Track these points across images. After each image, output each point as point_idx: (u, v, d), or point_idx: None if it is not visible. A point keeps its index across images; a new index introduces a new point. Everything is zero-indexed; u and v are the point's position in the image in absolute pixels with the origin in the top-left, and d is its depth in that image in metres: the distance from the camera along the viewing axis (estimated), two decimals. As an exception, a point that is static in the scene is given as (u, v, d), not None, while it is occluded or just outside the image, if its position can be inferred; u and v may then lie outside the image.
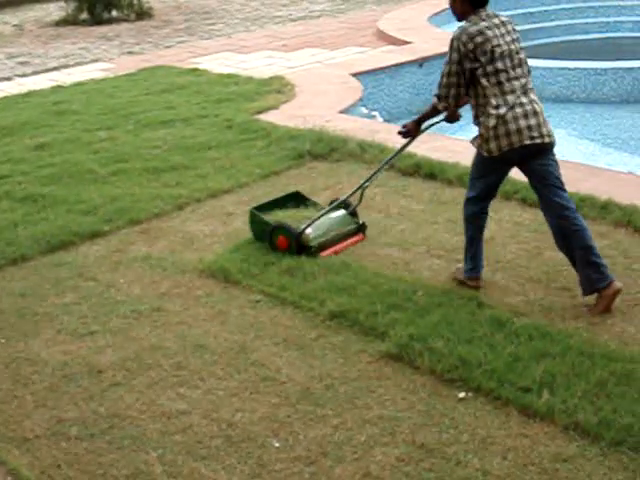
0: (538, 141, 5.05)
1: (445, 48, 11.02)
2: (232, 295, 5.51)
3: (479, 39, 4.99)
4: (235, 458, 4.02)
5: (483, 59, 4.99)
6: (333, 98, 9.72)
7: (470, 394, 4.37)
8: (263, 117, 9.09)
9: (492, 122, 5.02)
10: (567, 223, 5.15)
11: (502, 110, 5.00)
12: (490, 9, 5.13)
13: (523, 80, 5.10)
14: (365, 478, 3.84)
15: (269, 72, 11.11)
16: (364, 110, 9.79)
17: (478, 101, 5.10)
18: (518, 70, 5.09)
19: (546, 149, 5.13)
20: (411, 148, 7.69)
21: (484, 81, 5.01)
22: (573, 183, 6.73)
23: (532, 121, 5.04)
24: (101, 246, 6.34)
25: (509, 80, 5.04)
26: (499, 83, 5.01)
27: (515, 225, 6.23)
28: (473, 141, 5.26)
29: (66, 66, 12.54)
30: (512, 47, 5.08)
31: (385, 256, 5.92)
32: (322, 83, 10.37)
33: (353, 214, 6.27)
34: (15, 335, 5.19)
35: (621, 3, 14.45)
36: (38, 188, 7.41)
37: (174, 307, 5.41)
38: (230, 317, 5.25)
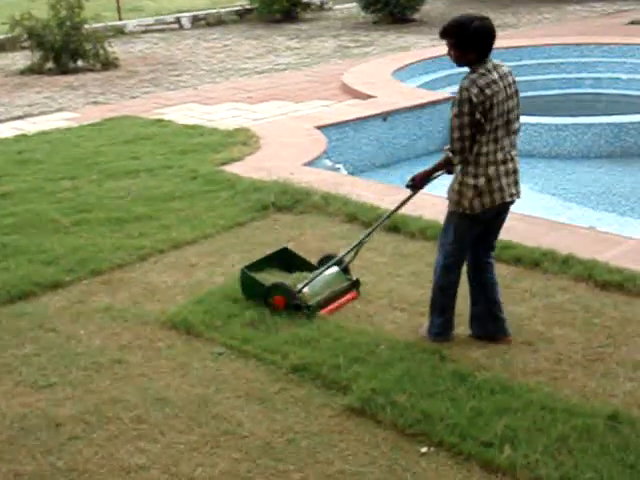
0: (515, 198, 5.19)
1: (408, 102, 11.12)
2: (194, 347, 5.48)
3: (488, 92, 4.91)
4: (195, 514, 3.97)
5: (487, 115, 4.92)
6: (298, 150, 9.77)
7: (432, 449, 4.36)
8: (228, 168, 9.11)
9: (482, 181, 5.02)
10: (486, 275, 5.41)
11: (491, 169, 5.02)
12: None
13: (512, 137, 5.12)
14: (326, 534, 3.81)
15: (234, 124, 11.15)
16: (328, 163, 9.84)
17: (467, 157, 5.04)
18: (510, 126, 5.07)
19: (511, 205, 5.26)
20: (374, 201, 7.78)
21: (483, 137, 4.97)
22: (534, 238, 6.82)
23: (511, 179, 5.12)
24: (62, 297, 6.28)
25: (502, 137, 5.03)
26: (495, 140, 5.00)
27: (477, 279, 6.26)
28: (450, 202, 5.20)
29: (30, 115, 12.51)
30: (510, 103, 5.03)
31: (348, 309, 5.92)
32: (287, 135, 10.42)
33: (345, 270, 6.14)
34: (-27, 387, 5.12)
35: (623, 77, 14.73)
36: (-1, 237, 7.36)
37: (135, 359, 5.36)
38: (192, 370, 5.21)
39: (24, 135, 11.06)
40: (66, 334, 5.71)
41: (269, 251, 6.47)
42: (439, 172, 5.35)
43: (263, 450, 4.41)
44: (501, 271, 6.32)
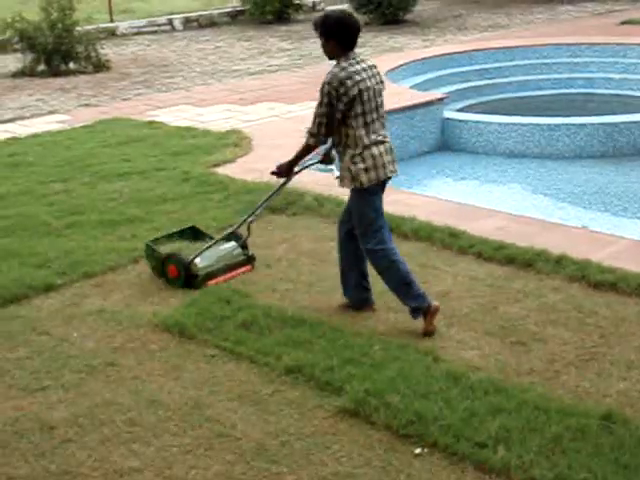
0: (393, 175, 5.70)
1: (400, 103, 11.16)
2: (187, 349, 5.47)
3: (349, 83, 5.41)
4: (189, 517, 3.96)
5: (352, 102, 5.42)
6: (290, 152, 9.63)
7: (426, 450, 4.35)
8: (220, 170, 9.10)
9: (367, 159, 5.50)
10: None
11: (373, 149, 5.51)
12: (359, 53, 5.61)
13: (382, 120, 5.66)
14: (320, 536, 3.80)
15: (226, 125, 11.14)
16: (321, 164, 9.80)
17: (346, 140, 5.54)
18: (380, 110, 5.62)
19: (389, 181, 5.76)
20: (367, 202, 7.75)
21: (353, 122, 5.47)
22: (527, 238, 6.83)
23: (389, 157, 5.63)
24: (55, 300, 6.26)
25: (373, 121, 5.54)
26: (365, 124, 5.50)
27: (470, 280, 6.26)
28: (342, 182, 5.70)
29: (22, 117, 12.47)
30: (376, 88, 5.58)
31: (342, 310, 5.91)
32: (279, 137, 10.41)
33: (243, 246, 6.64)
34: (-35, 391, 5.10)
35: (615, 76, 14.78)
36: (-9, 240, 7.32)
37: (128, 362, 5.35)
38: (185, 372, 5.20)
39: (16, 138, 11.03)
40: (59, 337, 5.70)
41: (263, 252, 6.48)
42: (310, 161, 6.36)
43: (257, 452, 4.40)
44: (494, 271, 6.35)
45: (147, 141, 10.51)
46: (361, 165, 5.52)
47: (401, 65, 14.43)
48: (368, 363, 5.09)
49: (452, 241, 6.85)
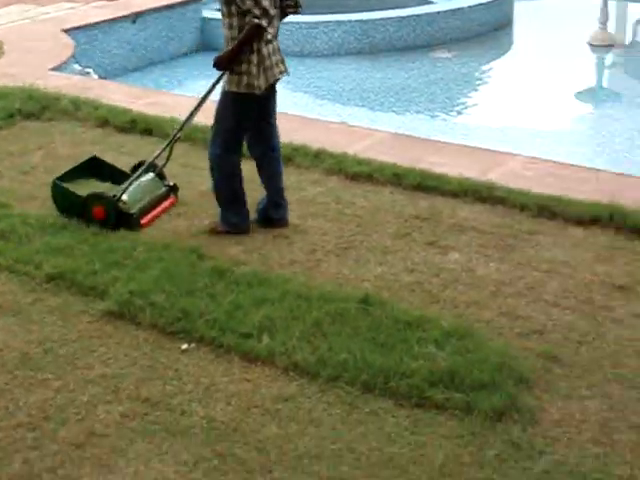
0: (284, 75, 5.40)
1: (157, 3, 10.88)
2: (-61, 264, 5.24)
3: None
4: (-50, 431, 3.85)
5: None
6: (44, 56, 9.38)
7: (193, 345, 4.41)
8: (-30, 77, 8.63)
9: (257, 58, 5.13)
10: (273, 163, 5.58)
11: (263, 49, 5.15)
12: None
13: (274, 19, 5.25)
14: (90, 437, 3.80)
15: (-26, 29, 10.56)
16: (78, 67, 9.54)
17: (239, 34, 5.09)
18: (272, 10, 5.19)
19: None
20: (126, 104, 7.63)
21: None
22: (287, 134, 6.87)
23: (278, 56, 5.32)
24: None
25: (273, 17, 5.18)
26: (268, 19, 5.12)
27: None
28: (230, 84, 5.21)
29: None
30: None
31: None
32: (32, 40, 9.99)
33: (161, 176, 5.92)
34: None
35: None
36: None
37: None
38: (-61, 287, 5.00)
39: None
40: None
41: (19, 160, 6.25)
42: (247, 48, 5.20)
43: (20, 361, 4.31)
44: (252, 166, 6.41)
45: None
46: (254, 69, 5.12)
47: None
48: (132, 265, 5.05)
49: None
